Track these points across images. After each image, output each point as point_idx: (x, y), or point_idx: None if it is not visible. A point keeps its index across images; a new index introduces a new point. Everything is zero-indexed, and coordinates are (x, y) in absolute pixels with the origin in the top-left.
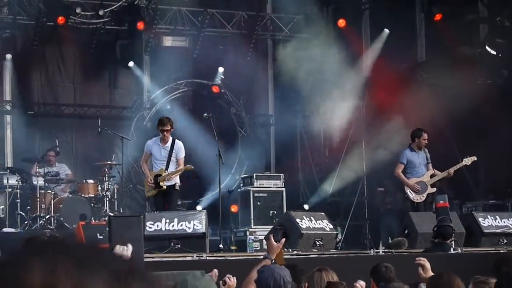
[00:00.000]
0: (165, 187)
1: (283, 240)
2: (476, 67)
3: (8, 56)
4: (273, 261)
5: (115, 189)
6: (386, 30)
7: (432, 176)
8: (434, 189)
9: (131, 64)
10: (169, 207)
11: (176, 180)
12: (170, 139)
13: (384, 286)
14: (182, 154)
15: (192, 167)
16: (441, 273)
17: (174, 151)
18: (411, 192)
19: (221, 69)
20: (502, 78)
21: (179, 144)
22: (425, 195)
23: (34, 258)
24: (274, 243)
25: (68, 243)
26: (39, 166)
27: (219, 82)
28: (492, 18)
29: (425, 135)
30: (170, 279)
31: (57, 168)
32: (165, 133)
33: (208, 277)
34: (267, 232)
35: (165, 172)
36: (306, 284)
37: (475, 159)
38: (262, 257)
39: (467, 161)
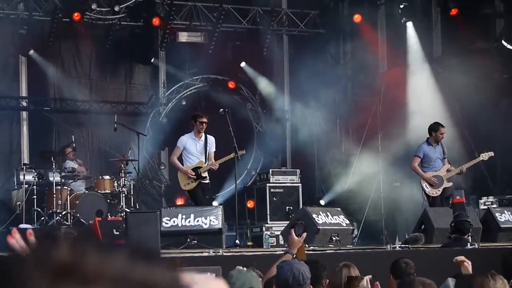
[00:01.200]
0: (207, 179)
1: (304, 234)
2: (492, 62)
3: (31, 51)
4: (294, 255)
5: (131, 185)
6: (410, 23)
7: (448, 170)
8: (451, 184)
9: (153, 60)
10: (206, 200)
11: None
12: (203, 134)
13: (403, 282)
14: (214, 149)
15: (244, 152)
16: (475, 275)
17: (208, 145)
18: (427, 186)
19: (243, 64)
20: None
21: (212, 138)
22: (441, 189)
23: (59, 242)
24: (295, 237)
25: (88, 234)
26: (56, 162)
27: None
28: (509, 13)
29: (443, 129)
30: None
31: (74, 163)
32: (204, 125)
33: (253, 272)
34: (284, 227)
35: (204, 164)
36: (327, 281)
37: (492, 154)
38: (283, 252)
39: (484, 156)
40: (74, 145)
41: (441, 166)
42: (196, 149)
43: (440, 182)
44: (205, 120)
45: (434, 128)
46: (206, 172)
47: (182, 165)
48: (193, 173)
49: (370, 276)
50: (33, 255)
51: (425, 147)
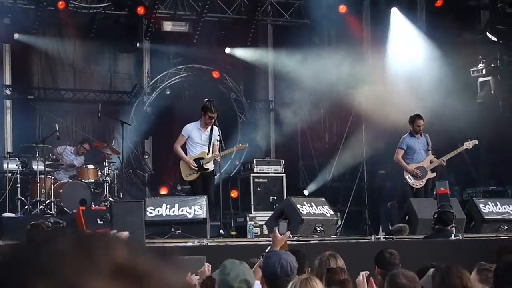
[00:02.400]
0: (211, 169)
1: (288, 232)
2: (476, 53)
3: (16, 35)
4: None
5: (115, 174)
6: (395, 8)
7: (431, 161)
8: (434, 174)
9: (138, 44)
10: (209, 191)
11: (211, 165)
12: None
13: (386, 272)
14: (218, 141)
15: (247, 145)
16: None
17: (213, 136)
18: (411, 177)
19: (227, 50)
20: (503, 64)
21: (217, 130)
22: (424, 180)
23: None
24: (279, 235)
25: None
26: (39, 150)
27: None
28: (493, 4)
29: (420, 121)
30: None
31: (80, 159)
32: (212, 121)
33: (246, 264)
34: (268, 217)
35: (207, 155)
36: (309, 269)
37: (476, 142)
38: (267, 250)
39: (468, 145)
40: (58, 133)
41: (424, 157)
42: (200, 139)
43: (423, 173)
44: (214, 116)
45: (412, 120)
46: (209, 163)
47: (186, 154)
48: (195, 165)
49: (367, 272)
50: (89, 248)
51: (408, 139)
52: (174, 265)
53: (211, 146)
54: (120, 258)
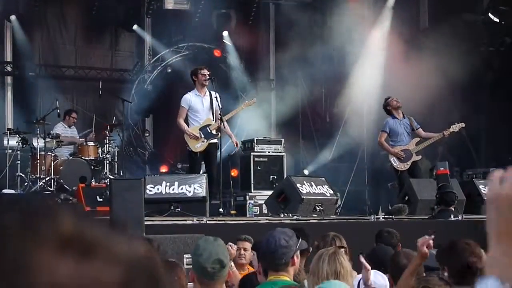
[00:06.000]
0: (218, 138)
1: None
2: (478, 35)
3: (13, 17)
4: None
5: (116, 151)
6: None
7: (418, 143)
8: (419, 157)
9: (135, 27)
10: (212, 166)
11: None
12: (206, 90)
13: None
14: (219, 106)
15: (255, 101)
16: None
17: (213, 101)
18: (395, 160)
19: (225, 33)
20: (504, 46)
21: (215, 94)
22: (409, 163)
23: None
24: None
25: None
26: (39, 127)
27: (228, 44)
28: None
29: (393, 102)
30: (170, 242)
31: (73, 130)
32: (207, 76)
33: (220, 241)
34: (268, 196)
35: (213, 122)
36: (311, 249)
37: (463, 125)
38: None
39: (455, 127)
40: (58, 110)
41: (408, 140)
42: (202, 106)
43: (408, 156)
44: (207, 72)
45: (385, 101)
46: (216, 130)
47: (189, 126)
48: (198, 134)
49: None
50: (34, 221)
51: (391, 121)
52: (126, 236)
53: (214, 112)
54: (66, 229)
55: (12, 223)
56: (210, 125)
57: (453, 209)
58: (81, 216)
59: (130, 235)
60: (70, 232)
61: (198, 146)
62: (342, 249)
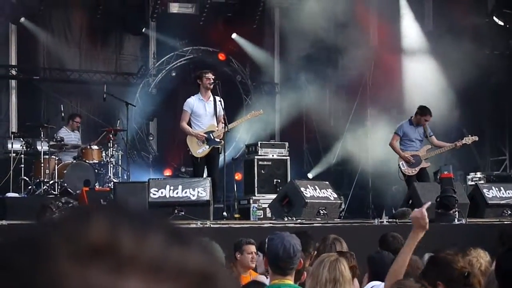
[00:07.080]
0: (220, 144)
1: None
2: (483, 38)
3: (22, 19)
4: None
5: (120, 155)
6: None
7: (428, 150)
8: (428, 164)
9: (144, 30)
10: (214, 170)
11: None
12: (210, 94)
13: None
14: (223, 110)
15: (262, 112)
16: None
17: (217, 106)
18: (404, 164)
19: (234, 35)
20: (509, 49)
21: (219, 99)
22: (417, 168)
23: (94, 215)
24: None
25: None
26: (43, 131)
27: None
28: None
29: (429, 117)
30: None
31: (76, 134)
32: (211, 80)
33: (215, 244)
34: (271, 201)
35: (217, 127)
36: (315, 253)
37: (476, 139)
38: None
39: (468, 140)
40: (63, 114)
41: (420, 147)
42: (205, 111)
43: (417, 162)
44: (212, 75)
45: (422, 112)
46: (219, 137)
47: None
48: (203, 135)
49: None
50: (63, 229)
51: (406, 126)
52: (167, 246)
53: (218, 117)
54: (97, 236)
55: (34, 234)
56: (213, 131)
57: (454, 213)
58: (118, 217)
59: (188, 242)
60: (101, 240)
61: (200, 152)
62: (343, 258)
